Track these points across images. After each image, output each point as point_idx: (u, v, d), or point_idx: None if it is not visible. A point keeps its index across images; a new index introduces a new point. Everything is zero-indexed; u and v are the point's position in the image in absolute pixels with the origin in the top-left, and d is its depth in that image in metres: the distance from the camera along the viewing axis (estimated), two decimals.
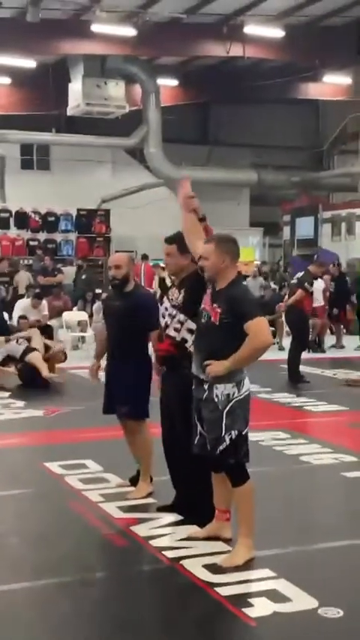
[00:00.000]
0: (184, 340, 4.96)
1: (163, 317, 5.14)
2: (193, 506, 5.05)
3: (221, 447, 4.49)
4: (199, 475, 4.85)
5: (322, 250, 24.41)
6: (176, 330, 5.00)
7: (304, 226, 24.35)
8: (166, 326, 5.07)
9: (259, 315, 4.47)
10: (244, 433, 4.51)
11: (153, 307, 5.72)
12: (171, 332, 5.03)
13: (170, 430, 5.13)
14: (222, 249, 4.56)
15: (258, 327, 4.42)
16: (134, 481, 5.88)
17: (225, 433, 4.46)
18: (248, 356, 4.44)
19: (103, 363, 6.03)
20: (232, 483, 4.60)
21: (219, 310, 4.48)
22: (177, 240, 5.17)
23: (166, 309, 5.12)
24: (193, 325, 4.86)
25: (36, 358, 10.80)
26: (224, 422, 4.46)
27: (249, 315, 4.42)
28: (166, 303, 5.14)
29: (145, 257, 20.39)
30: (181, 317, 4.99)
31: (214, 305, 4.51)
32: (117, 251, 20.87)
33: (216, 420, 4.49)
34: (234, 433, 4.47)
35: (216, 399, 4.48)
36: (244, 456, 4.55)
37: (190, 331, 4.90)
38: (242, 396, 4.50)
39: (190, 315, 4.91)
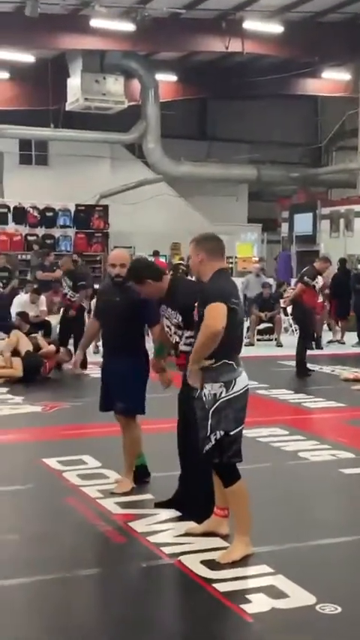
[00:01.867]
0: None
1: (169, 334, 5.17)
2: (195, 502, 5.04)
3: (207, 447, 4.49)
4: (206, 472, 4.85)
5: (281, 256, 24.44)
6: (189, 345, 4.97)
7: (303, 223, 24.31)
8: (177, 343, 5.09)
9: (218, 301, 4.41)
10: (231, 434, 4.46)
11: (150, 302, 5.74)
12: (184, 347, 5.04)
13: (183, 426, 5.13)
14: (198, 247, 4.65)
15: (209, 313, 4.40)
16: (135, 477, 5.90)
17: (210, 433, 4.46)
18: (201, 347, 4.43)
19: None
20: (222, 483, 4.60)
21: (196, 305, 4.58)
22: (130, 275, 5.32)
23: (169, 327, 5.15)
24: None
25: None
26: (209, 422, 4.45)
27: (208, 301, 4.43)
28: (168, 322, 5.16)
29: (156, 253, 20.67)
30: (188, 333, 4.99)
31: (197, 304, 4.59)
32: (116, 247, 20.90)
33: (203, 419, 4.50)
34: (219, 433, 4.44)
35: (204, 398, 4.49)
36: (233, 457, 4.51)
37: None
38: (231, 396, 4.45)
39: (193, 329, 4.89)
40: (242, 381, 4.51)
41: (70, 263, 12.39)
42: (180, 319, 5.03)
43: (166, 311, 5.16)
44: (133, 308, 5.63)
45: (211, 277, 4.56)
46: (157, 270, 5.31)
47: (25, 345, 10.96)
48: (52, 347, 11.36)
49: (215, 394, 4.45)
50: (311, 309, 12.08)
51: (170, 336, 5.18)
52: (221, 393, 4.44)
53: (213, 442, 4.46)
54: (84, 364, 11.12)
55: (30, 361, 10.73)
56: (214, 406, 4.45)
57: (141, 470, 5.94)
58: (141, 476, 5.93)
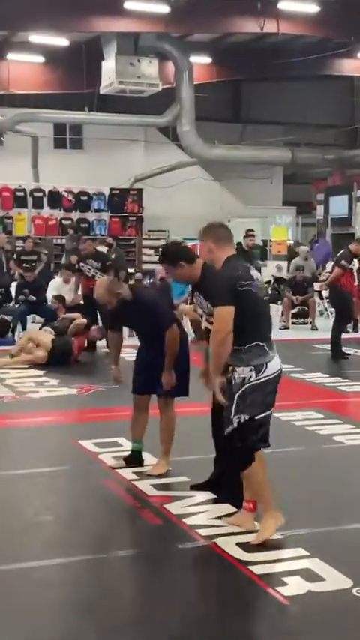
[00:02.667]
0: None
1: (201, 321, 5.18)
2: (230, 485, 5.04)
3: (228, 430, 4.50)
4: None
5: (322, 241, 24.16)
6: None
7: (338, 205, 24.13)
8: (208, 330, 5.06)
9: (222, 301, 4.43)
10: (257, 418, 4.45)
11: (158, 308, 5.76)
12: None
13: (218, 408, 5.12)
14: (204, 237, 4.70)
15: (214, 320, 4.45)
16: (128, 461, 5.95)
17: (234, 415, 4.46)
18: (216, 357, 4.45)
19: None
20: (240, 467, 4.60)
21: None
22: (164, 257, 5.31)
23: (202, 315, 5.16)
24: None
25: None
26: (234, 404, 4.46)
27: (215, 301, 4.49)
28: (200, 310, 5.17)
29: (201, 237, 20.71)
30: None
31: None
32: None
33: (230, 401, 4.50)
34: (243, 417, 4.44)
35: (233, 381, 4.49)
36: (260, 442, 4.51)
37: None
38: (260, 381, 4.44)
39: None
40: (274, 365, 4.49)
41: (91, 247, 12.66)
42: (210, 308, 5.03)
43: (198, 297, 5.16)
44: (143, 316, 5.65)
45: (221, 268, 4.58)
46: (190, 253, 5.30)
47: (45, 343, 10.83)
48: (84, 320, 11.29)
49: (244, 378, 4.44)
50: (349, 293, 12.03)
51: (205, 325, 5.19)
52: (250, 377, 4.44)
53: (235, 425, 4.47)
54: (93, 348, 11.63)
55: (59, 345, 10.71)
56: (241, 390, 4.44)
57: (136, 456, 5.98)
58: (134, 462, 5.96)
